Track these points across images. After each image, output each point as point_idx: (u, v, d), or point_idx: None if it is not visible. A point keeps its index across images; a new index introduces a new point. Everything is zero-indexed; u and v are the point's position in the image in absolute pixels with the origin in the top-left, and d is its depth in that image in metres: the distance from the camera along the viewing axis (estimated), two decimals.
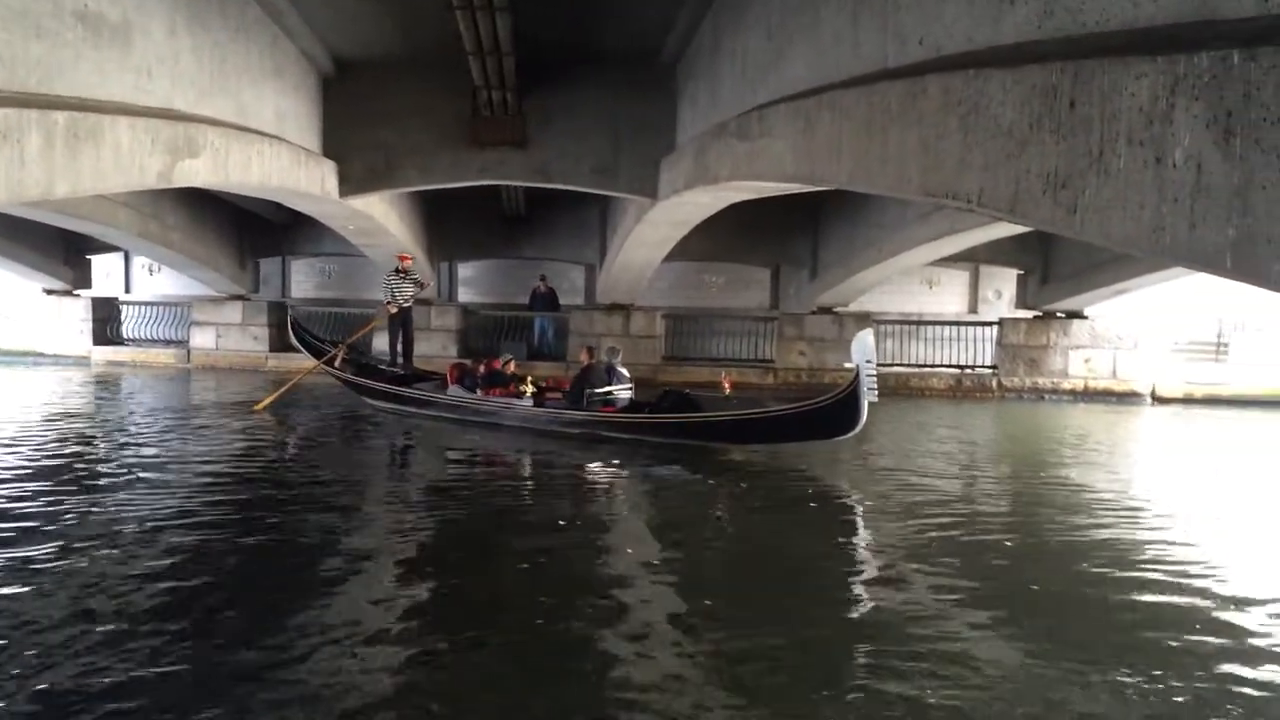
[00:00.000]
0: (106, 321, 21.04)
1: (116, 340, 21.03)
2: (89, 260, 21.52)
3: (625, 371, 12.34)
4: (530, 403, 12.27)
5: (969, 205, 3.98)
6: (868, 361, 9.71)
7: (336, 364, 14.81)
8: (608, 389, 11.89)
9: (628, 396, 12.08)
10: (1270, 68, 2.33)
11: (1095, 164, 3.07)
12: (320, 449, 12.06)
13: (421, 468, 11.37)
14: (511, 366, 13.53)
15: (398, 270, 15.33)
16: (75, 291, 21.29)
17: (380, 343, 17.73)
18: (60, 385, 16.84)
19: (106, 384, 17.50)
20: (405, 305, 15.31)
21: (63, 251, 20.77)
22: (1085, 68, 3.15)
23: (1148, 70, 2.79)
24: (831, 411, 10.03)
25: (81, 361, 20.14)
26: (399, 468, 11.42)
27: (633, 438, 11.39)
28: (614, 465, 10.64)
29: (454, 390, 13.23)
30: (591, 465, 10.71)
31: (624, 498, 9.48)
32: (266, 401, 14.00)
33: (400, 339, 15.41)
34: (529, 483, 10.16)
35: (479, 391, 12.93)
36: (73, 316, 20.80)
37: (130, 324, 21.34)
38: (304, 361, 15.72)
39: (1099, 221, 3.07)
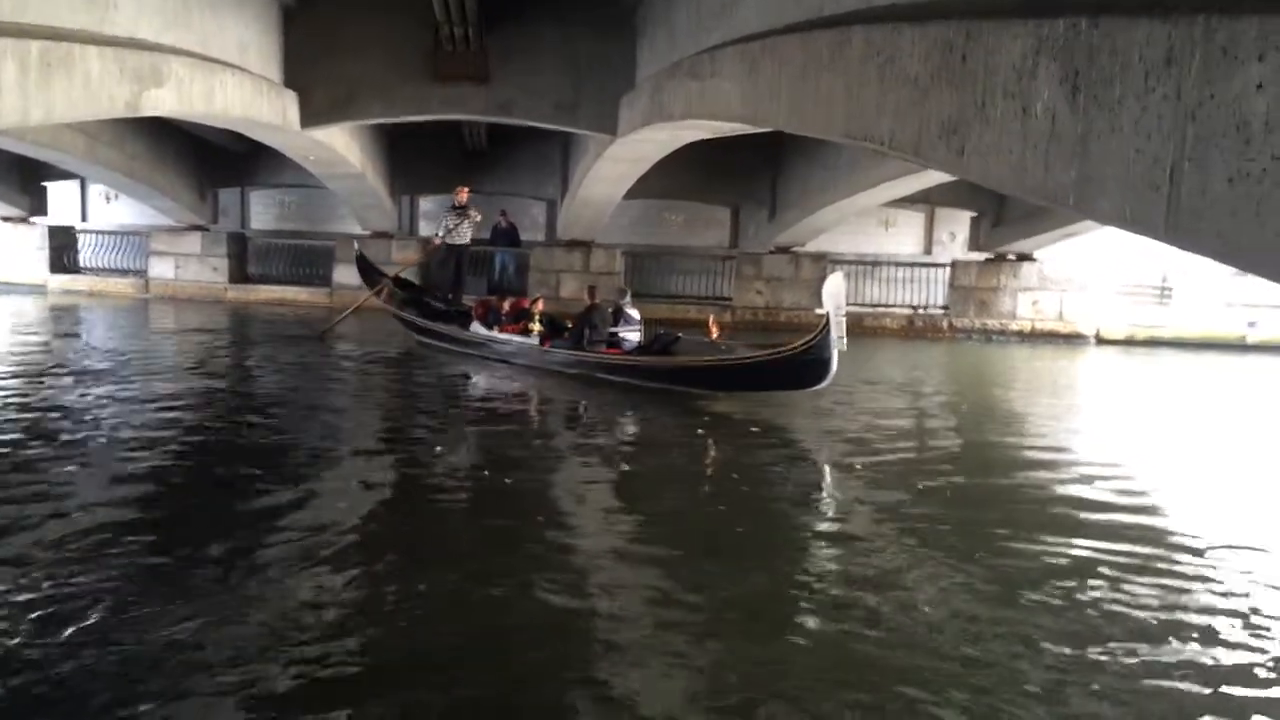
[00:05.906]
0: (63, 249, 20.88)
1: (73, 269, 20.93)
2: (45, 188, 21.32)
3: (636, 313, 11.98)
4: (536, 341, 12.34)
5: (883, 147, 4.38)
6: (838, 308, 9.24)
7: (382, 297, 14.89)
8: (613, 330, 11.70)
9: (635, 339, 11.77)
10: (1107, 34, 2.73)
11: (979, 113, 3.48)
12: (314, 380, 12.17)
13: (411, 403, 11.25)
14: (540, 305, 13.21)
15: (454, 207, 15.22)
16: (31, 219, 21.15)
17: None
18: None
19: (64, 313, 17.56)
20: (462, 243, 15.30)
21: (18, 178, 20.58)
22: (977, 26, 3.54)
23: (1020, 32, 3.19)
24: (800, 360, 9.68)
25: (38, 289, 20.04)
26: (388, 402, 11.37)
27: (623, 380, 11.36)
28: (594, 407, 10.78)
29: (475, 327, 13.35)
30: (572, 405, 10.92)
31: (584, 441, 9.54)
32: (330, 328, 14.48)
33: (455, 276, 15.44)
34: (509, 423, 10.30)
35: (496, 328, 13.03)
36: (29, 244, 20.70)
37: (87, 252, 21.19)
38: (263, 293, 15.92)
39: (981, 164, 3.49)
